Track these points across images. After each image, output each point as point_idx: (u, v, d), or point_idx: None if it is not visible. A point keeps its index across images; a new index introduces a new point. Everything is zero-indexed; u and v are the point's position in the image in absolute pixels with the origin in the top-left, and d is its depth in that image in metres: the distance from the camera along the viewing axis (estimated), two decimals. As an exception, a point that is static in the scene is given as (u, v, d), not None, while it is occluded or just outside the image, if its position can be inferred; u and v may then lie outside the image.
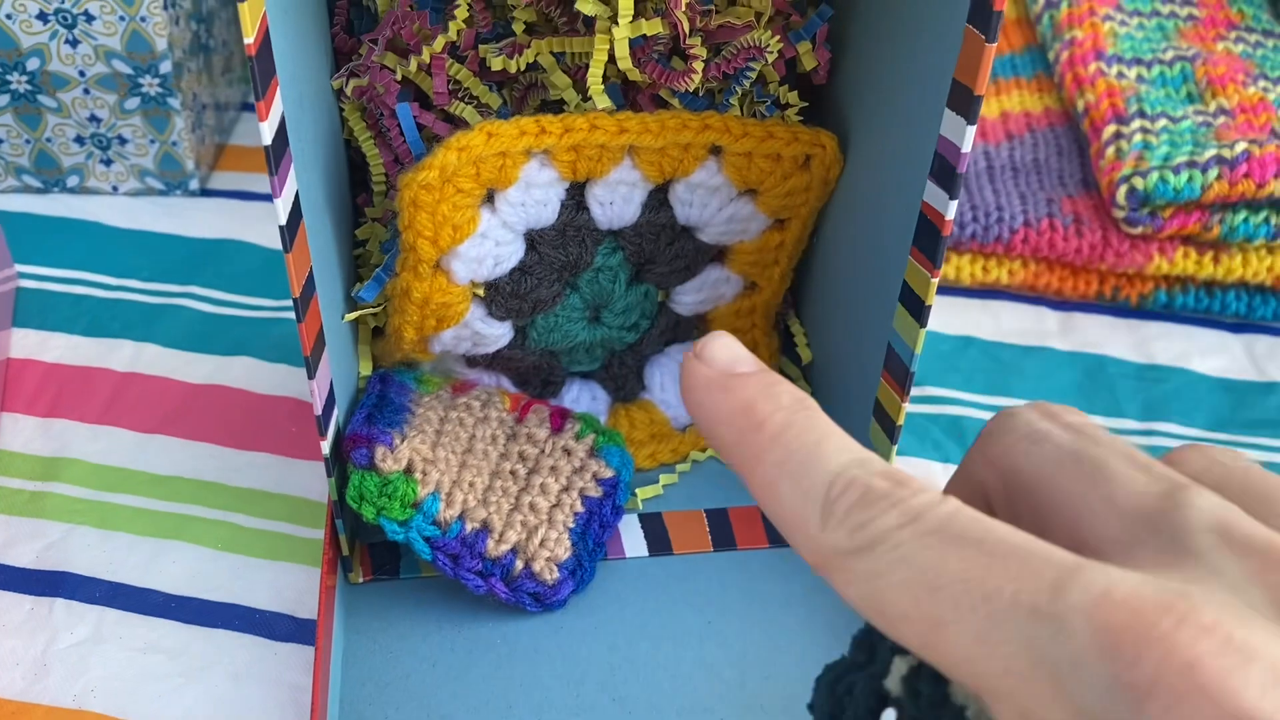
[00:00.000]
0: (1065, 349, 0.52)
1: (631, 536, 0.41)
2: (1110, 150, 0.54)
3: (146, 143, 0.58)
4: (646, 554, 0.41)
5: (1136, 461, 0.18)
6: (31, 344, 0.50)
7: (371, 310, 0.39)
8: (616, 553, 0.41)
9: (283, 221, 0.30)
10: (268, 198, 0.60)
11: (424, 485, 0.36)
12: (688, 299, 0.44)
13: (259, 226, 0.58)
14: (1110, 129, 0.55)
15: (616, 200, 0.38)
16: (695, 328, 0.45)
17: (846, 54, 0.40)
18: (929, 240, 0.34)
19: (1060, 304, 0.55)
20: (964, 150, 0.31)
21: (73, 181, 0.59)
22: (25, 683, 0.37)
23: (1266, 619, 0.15)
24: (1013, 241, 0.53)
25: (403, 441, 0.37)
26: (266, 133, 0.28)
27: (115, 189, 0.60)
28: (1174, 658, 0.14)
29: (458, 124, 0.39)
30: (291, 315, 0.52)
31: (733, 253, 0.43)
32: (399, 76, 0.37)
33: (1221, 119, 0.56)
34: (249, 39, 0.26)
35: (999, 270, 0.54)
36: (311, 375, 0.33)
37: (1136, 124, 0.55)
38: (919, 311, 0.35)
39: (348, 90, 0.38)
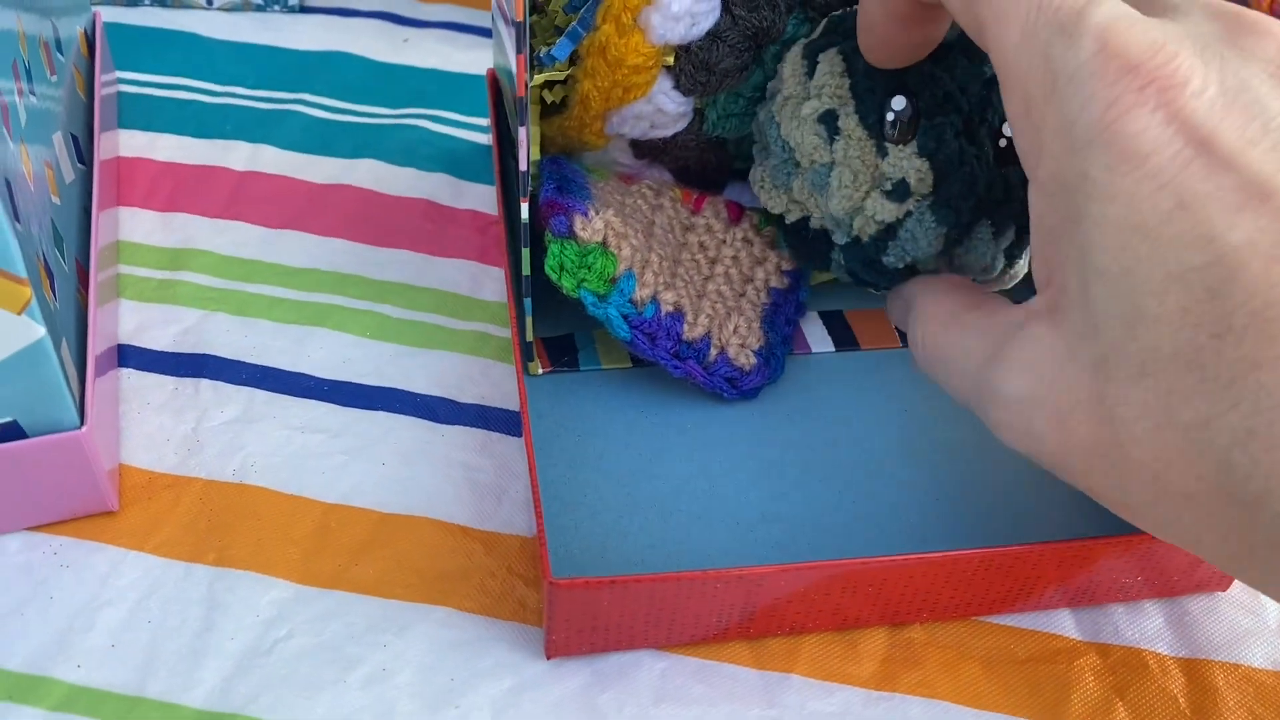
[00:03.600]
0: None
1: (814, 332, 0.39)
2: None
3: (246, -52, 0.54)
4: (833, 349, 0.38)
5: None
6: (139, 144, 0.47)
7: (558, 74, 0.36)
8: (802, 348, 0.38)
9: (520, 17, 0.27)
10: (369, 14, 0.57)
11: (620, 261, 0.34)
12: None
13: (363, 40, 0.54)
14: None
15: (820, -45, 0.35)
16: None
17: None
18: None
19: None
20: None
21: (164, -8, 0.56)
22: (179, 458, 0.35)
23: (1226, 61, 0.19)
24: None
25: (596, 214, 0.34)
26: None
27: (209, 3, 0.56)
28: (1144, 89, 0.19)
29: None
30: (414, 122, 0.49)
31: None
32: None
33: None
34: None
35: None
36: (523, 122, 0.30)
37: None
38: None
39: None
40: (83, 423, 0.31)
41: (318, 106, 0.50)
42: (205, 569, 0.33)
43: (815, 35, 0.34)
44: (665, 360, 0.34)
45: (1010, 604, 0.33)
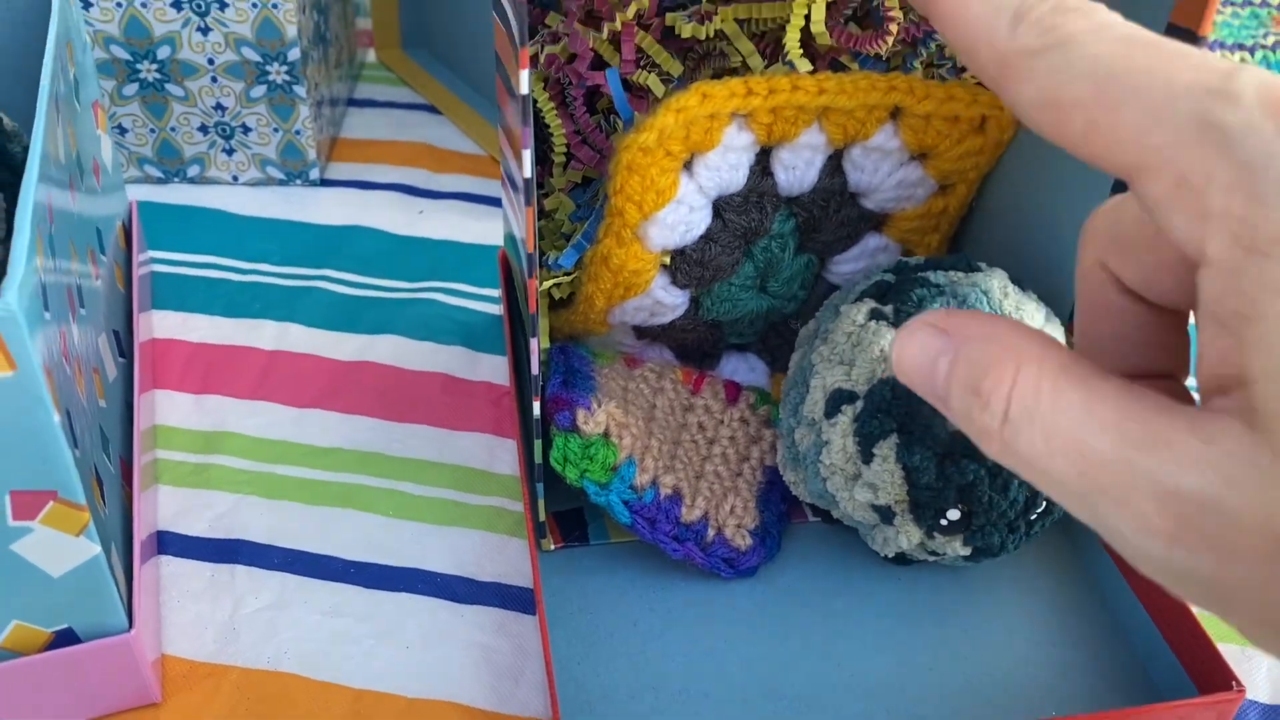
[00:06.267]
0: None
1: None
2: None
3: (270, 131, 0.58)
4: (825, 519, 0.41)
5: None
6: (173, 324, 0.50)
7: (565, 278, 0.39)
8: (798, 517, 0.41)
9: (528, 174, 0.30)
10: (387, 187, 0.61)
11: (621, 449, 0.37)
12: (844, 268, 0.44)
13: (382, 214, 0.58)
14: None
15: (800, 165, 0.39)
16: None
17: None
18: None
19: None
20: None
21: (193, 171, 0.60)
22: (217, 645, 0.37)
23: None
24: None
25: (599, 406, 0.37)
26: (524, 82, 0.28)
27: (235, 178, 0.60)
28: None
29: (638, 94, 0.39)
30: (431, 296, 0.52)
31: (893, 220, 0.43)
32: (591, 46, 0.37)
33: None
34: (522, -21, 0.27)
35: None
36: (533, 333, 0.33)
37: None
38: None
39: (541, 59, 0.38)
40: (131, 624, 0.34)
41: (340, 282, 0.53)
42: (242, 754, 0.35)
43: (852, 380, 0.35)
44: (665, 543, 0.37)
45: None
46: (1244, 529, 0.17)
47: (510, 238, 0.42)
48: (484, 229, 0.57)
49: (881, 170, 0.40)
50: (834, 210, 0.41)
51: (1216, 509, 0.17)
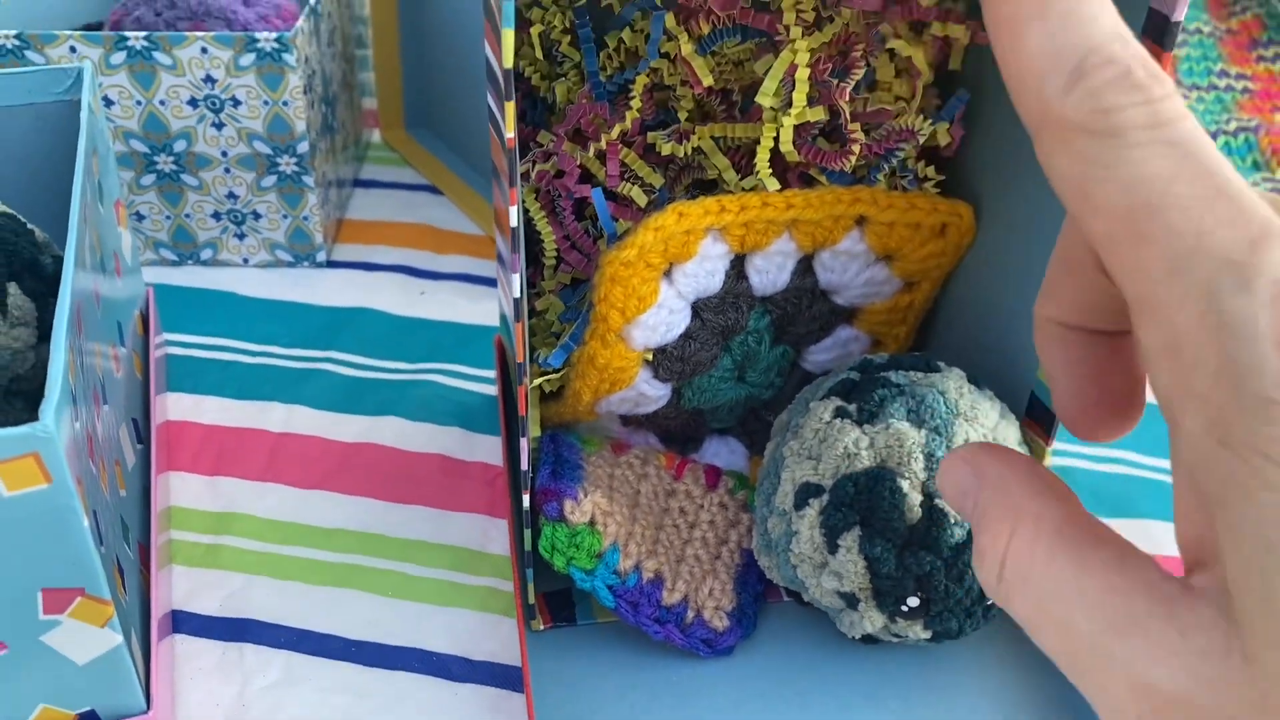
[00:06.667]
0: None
1: (784, 581, 0.44)
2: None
3: (279, 218, 0.62)
4: (798, 599, 0.43)
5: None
6: (187, 407, 0.53)
7: (554, 375, 0.42)
8: (774, 596, 0.43)
9: (516, 294, 0.33)
10: (390, 268, 0.64)
11: (605, 537, 0.39)
12: (818, 357, 0.47)
13: (384, 295, 0.61)
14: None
15: (772, 269, 0.42)
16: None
17: (976, 128, 0.44)
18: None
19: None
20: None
21: (206, 254, 0.63)
22: (227, 722, 0.40)
23: None
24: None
25: (585, 496, 0.40)
26: (514, 215, 0.31)
27: (246, 261, 0.63)
28: None
29: (623, 202, 0.42)
30: (430, 377, 0.55)
31: (863, 313, 0.46)
32: (579, 164, 0.41)
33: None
34: (510, 134, 0.30)
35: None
36: (524, 433, 0.36)
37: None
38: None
39: (532, 175, 0.41)
40: (149, 705, 0.36)
41: (345, 364, 0.56)
42: (250, 828, 0.37)
43: (821, 478, 0.38)
44: (647, 626, 0.39)
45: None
46: None
47: (504, 317, 0.45)
48: (482, 310, 0.60)
49: (849, 271, 0.43)
50: (806, 307, 0.44)
51: (1186, 706, 0.17)
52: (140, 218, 0.61)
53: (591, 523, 0.39)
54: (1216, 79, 0.73)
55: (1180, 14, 0.31)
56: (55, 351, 0.31)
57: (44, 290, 0.39)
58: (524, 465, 0.37)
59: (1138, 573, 0.18)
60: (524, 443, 0.37)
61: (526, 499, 0.38)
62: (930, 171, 0.43)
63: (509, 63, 0.29)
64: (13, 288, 0.38)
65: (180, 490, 0.49)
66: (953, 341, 0.47)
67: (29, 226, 0.40)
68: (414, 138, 0.77)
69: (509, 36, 0.28)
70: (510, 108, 0.30)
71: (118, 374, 0.44)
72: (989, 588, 0.20)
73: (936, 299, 0.47)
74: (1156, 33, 0.32)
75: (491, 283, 0.62)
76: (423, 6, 0.72)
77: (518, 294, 0.33)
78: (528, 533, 0.39)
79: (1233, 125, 0.67)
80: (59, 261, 0.41)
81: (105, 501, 0.37)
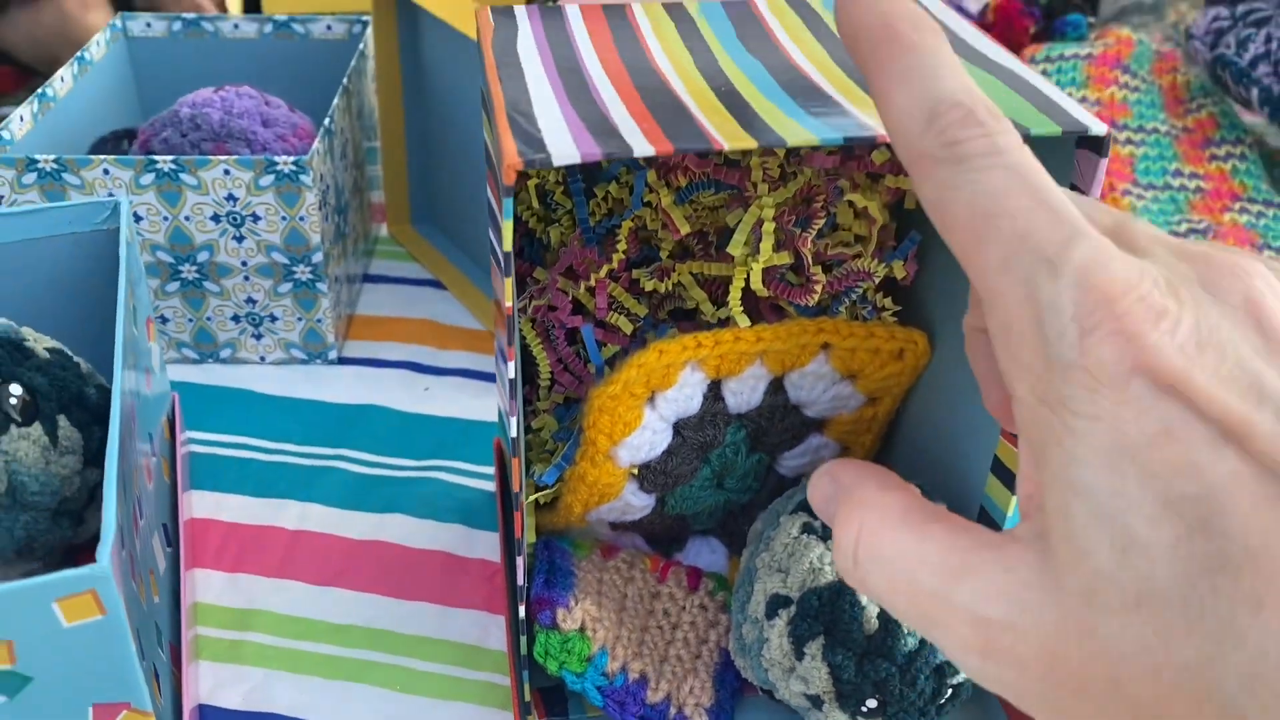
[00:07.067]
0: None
1: (759, 676, 0.47)
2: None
3: (294, 320, 0.66)
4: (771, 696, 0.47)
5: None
6: (209, 505, 0.57)
7: (548, 490, 0.46)
8: (751, 691, 0.47)
9: (514, 435, 0.37)
10: (397, 364, 0.68)
11: (595, 642, 0.43)
12: (791, 463, 0.51)
13: (391, 392, 0.66)
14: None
15: (746, 390, 0.46)
16: (796, 485, 0.52)
17: (929, 263, 0.48)
18: (1015, 430, 0.42)
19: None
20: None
21: (225, 353, 0.67)
22: (250, 813, 0.44)
23: (1199, 302, 0.19)
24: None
25: (576, 604, 0.44)
26: (511, 369, 0.36)
27: (262, 359, 0.68)
28: (1119, 320, 0.19)
29: (610, 330, 0.47)
30: (433, 474, 0.59)
31: (831, 423, 0.50)
32: (570, 298, 0.45)
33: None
34: (508, 303, 0.34)
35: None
36: (520, 552, 0.40)
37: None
38: (1012, 481, 0.42)
39: (529, 309, 0.46)
40: (180, 801, 0.40)
41: (355, 461, 0.60)
42: None
43: (790, 590, 0.42)
44: (632, 724, 0.43)
45: None
46: (1030, 645, 0.20)
47: (502, 415, 0.49)
48: (482, 405, 0.64)
49: (817, 389, 0.48)
50: (779, 419, 0.49)
51: (1012, 629, 0.20)
52: (164, 320, 0.66)
53: (582, 629, 0.43)
54: (1171, 179, 0.77)
55: (1097, 129, 0.34)
56: (107, 494, 0.35)
57: (89, 419, 0.43)
58: (520, 580, 0.42)
59: (969, 533, 0.22)
60: (519, 561, 0.41)
61: (522, 609, 0.42)
62: (888, 303, 0.48)
63: (509, 246, 0.33)
64: (62, 420, 0.42)
65: (204, 587, 0.53)
66: (909, 454, 0.51)
67: (75, 360, 0.45)
68: (419, 232, 0.82)
69: (508, 228, 0.33)
70: (509, 283, 0.34)
71: (150, 484, 0.48)
72: (846, 573, 0.23)
73: (898, 411, 0.51)
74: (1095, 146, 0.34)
75: (491, 378, 0.67)
76: (427, 109, 0.77)
77: (515, 434, 0.37)
78: (524, 639, 0.43)
79: (1184, 227, 0.72)
80: (101, 391, 0.45)
81: (143, 612, 0.41)
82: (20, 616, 0.32)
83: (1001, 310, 0.20)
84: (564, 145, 0.31)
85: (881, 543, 0.22)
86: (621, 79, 0.36)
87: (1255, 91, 0.76)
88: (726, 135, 0.32)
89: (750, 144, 0.32)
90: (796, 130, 0.32)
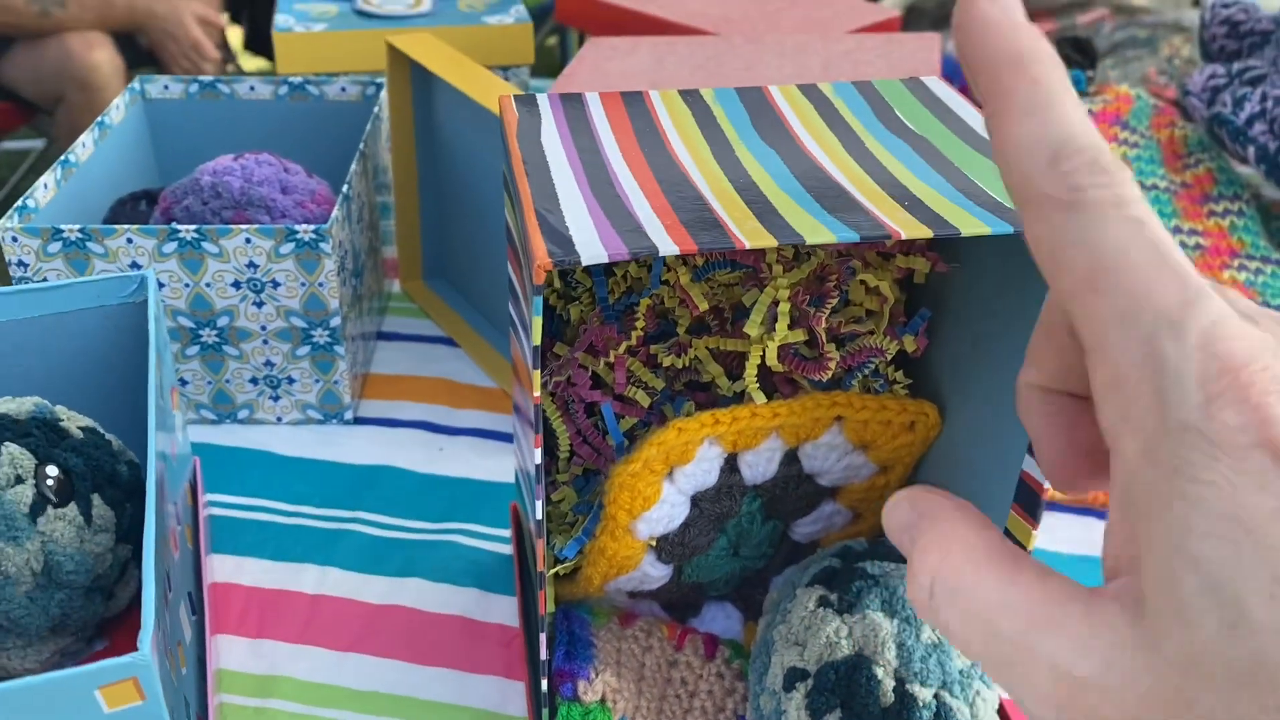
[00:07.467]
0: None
1: (776, 744, 0.48)
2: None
3: (312, 382, 0.67)
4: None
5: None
6: (229, 569, 0.58)
7: (568, 563, 0.47)
8: (765, 759, 0.48)
9: (539, 518, 0.38)
10: (410, 424, 0.69)
11: (615, 712, 0.44)
12: (805, 529, 0.52)
13: (406, 452, 0.67)
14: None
15: (761, 463, 0.47)
16: (811, 550, 0.53)
17: (938, 337, 0.49)
18: (1029, 500, 0.43)
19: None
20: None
21: (243, 414, 0.68)
22: None
23: None
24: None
25: (596, 675, 0.44)
26: (538, 455, 0.37)
27: (279, 419, 0.69)
28: (1245, 390, 0.19)
29: (629, 403, 0.48)
30: (449, 537, 0.60)
31: (844, 491, 0.51)
32: (590, 372, 0.46)
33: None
34: (536, 393, 0.36)
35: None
36: (543, 629, 0.41)
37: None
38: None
39: (549, 384, 0.47)
40: None
41: (371, 524, 0.61)
42: None
43: (807, 664, 0.42)
44: (652, 793, 0.44)
45: None
46: (1115, 707, 0.20)
47: (519, 473, 0.50)
48: (497, 466, 0.65)
49: (830, 459, 0.49)
50: (793, 489, 0.50)
51: (1099, 689, 0.20)
52: (184, 383, 0.67)
53: (603, 700, 0.44)
54: (1171, 235, 0.79)
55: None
56: (146, 586, 0.36)
57: (121, 497, 0.44)
58: (542, 656, 0.42)
59: (1057, 584, 0.21)
60: (542, 638, 0.42)
61: (545, 682, 0.43)
62: (899, 376, 0.49)
63: (537, 340, 0.34)
64: (96, 499, 0.43)
65: (228, 653, 0.54)
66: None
67: (107, 437, 0.46)
68: (431, 288, 0.83)
69: (537, 324, 0.34)
70: (537, 375, 0.35)
71: (175, 554, 0.49)
72: (919, 605, 0.23)
73: (909, 479, 0.52)
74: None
75: (505, 438, 0.68)
76: (439, 166, 0.78)
77: (540, 518, 0.39)
78: (545, 712, 0.44)
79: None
80: (132, 467, 0.46)
81: (174, 689, 0.42)
82: (64, 704, 0.33)
83: (1113, 365, 0.20)
84: (592, 245, 0.33)
85: (963, 580, 0.22)
86: (643, 172, 0.38)
87: (1251, 150, 0.77)
88: (747, 233, 0.33)
89: (771, 243, 0.33)
90: (814, 227, 0.34)
